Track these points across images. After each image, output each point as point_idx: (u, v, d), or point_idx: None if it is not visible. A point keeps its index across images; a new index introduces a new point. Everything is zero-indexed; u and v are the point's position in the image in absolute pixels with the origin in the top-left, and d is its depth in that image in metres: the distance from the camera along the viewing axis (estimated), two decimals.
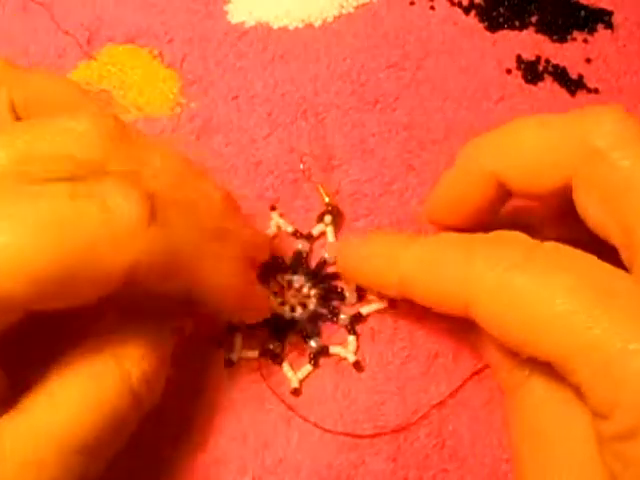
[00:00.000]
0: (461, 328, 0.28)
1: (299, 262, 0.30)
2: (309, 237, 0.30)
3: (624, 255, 0.22)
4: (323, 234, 0.31)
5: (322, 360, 0.28)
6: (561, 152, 0.23)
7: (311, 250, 0.30)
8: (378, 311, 0.29)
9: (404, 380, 0.28)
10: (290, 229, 0.31)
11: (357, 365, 0.28)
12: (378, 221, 0.31)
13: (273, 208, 0.31)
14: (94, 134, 0.22)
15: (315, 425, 0.27)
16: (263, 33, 0.37)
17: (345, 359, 0.28)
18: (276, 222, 0.31)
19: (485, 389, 0.28)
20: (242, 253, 0.25)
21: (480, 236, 0.24)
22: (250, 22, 0.38)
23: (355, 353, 0.28)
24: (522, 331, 0.21)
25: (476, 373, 0.28)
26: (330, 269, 0.30)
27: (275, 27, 0.38)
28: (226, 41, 0.37)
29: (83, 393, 0.20)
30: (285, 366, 0.28)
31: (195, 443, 0.26)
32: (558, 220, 0.27)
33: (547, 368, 0.21)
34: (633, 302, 0.20)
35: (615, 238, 0.22)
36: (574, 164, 0.23)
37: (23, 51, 0.36)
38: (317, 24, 0.38)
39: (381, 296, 0.29)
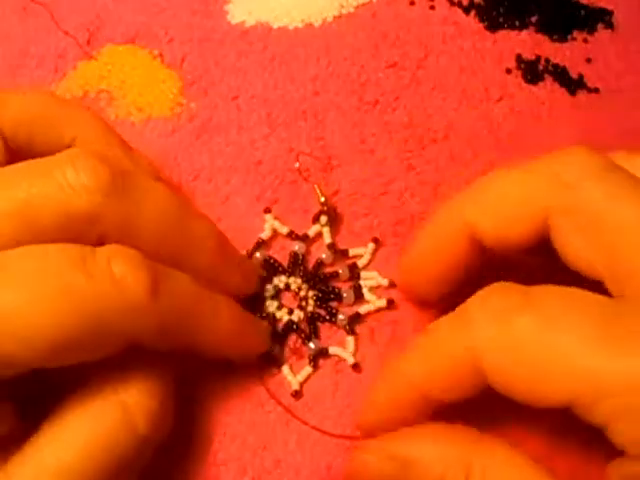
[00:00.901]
0: None
1: (296, 264, 0.30)
2: (305, 238, 0.30)
3: (611, 287, 0.21)
4: (319, 235, 0.31)
5: (322, 361, 0.28)
6: (533, 193, 0.23)
7: (308, 251, 0.30)
8: (377, 311, 0.29)
9: None
10: (285, 230, 0.30)
11: (356, 367, 0.28)
12: (378, 221, 0.31)
13: (268, 210, 0.31)
14: (90, 184, 0.21)
15: (314, 428, 0.27)
16: (263, 33, 0.37)
17: (344, 360, 0.28)
18: (271, 224, 0.31)
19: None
20: (235, 292, 0.26)
21: (471, 298, 0.23)
22: (250, 22, 0.38)
23: (354, 354, 0.28)
24: (534, 380, 0.21)
25: None
26: (327, 270, 0.30)
27: (275, 27, 0.38)
28: (226, 41, 0.37)
29: (86, 431, 0.21)
30: (285, 369, 0.28)
31: (194, 444, 0.26)
32: (538, 270, 0.26)
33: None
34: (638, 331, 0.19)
35: (599, 271, 0.22)
36: (548, 202, 0.23)
37: (23, 51, 0.36)
38: (317, 24, 0.38)
39: (379, 295, 0.29)
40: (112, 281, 0.20)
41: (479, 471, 0.23)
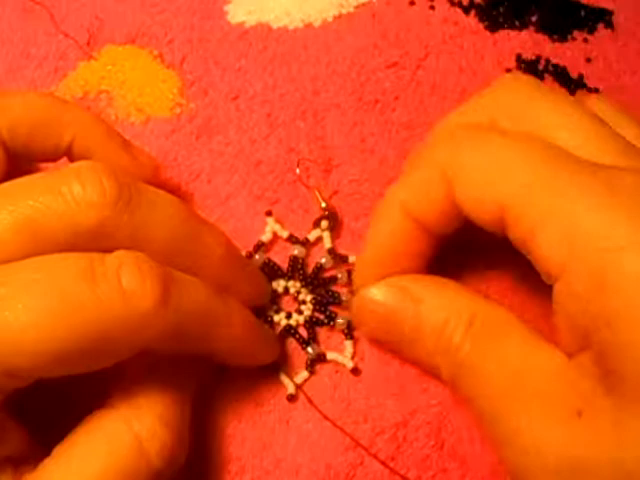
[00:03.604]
0: None
1: (295, 268, 0.30)
2: (305, 242, 0.30)
3: None
4: (320, 239, 0.30)
5: (320, 365, 0.28)
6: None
7: (307, 255, 0.30)
8: None
9: (403, 381, 0.28)
10: (286, 234, 0.30)
11: (355, 371, 0.28)
12: None
13: (269, 213, 0.31)
14: (98, 200, 0.21)
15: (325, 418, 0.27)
16: (263, 33, 0.37)
17: (343, 365, 0.28)
18: (272, 228, 0.30)
19: None
20: (246, 303, 0.26)
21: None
22: (250, 22, 0.38)
23: (352, 358, 0.28)
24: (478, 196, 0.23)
25: None
26: (326, 274, 0.30)
27: (275, 27, 0.37)
28: (226, 41, 0.37)
29: (98, 460, 0.20)
30: (281, 373, 0.27)
31: (194, 445, 0.26)
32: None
33: (484, 340, 0.23)
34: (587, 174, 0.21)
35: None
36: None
37: (23, 52, 0.36)
38: (317, 24, 0.38)
39: None
40: (120, 293, 0.20)
41: (480, 323, 0.24)
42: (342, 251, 0.30)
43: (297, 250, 0.30)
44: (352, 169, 0.33)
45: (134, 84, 0.35)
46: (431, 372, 0.26)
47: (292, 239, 0.30)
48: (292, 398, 0.27)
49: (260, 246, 0.30)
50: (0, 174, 0.25)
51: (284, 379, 0.27)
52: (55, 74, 0.36)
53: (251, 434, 0.27)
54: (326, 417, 0.27)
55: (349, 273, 0.29)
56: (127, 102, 0.35)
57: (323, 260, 0.30)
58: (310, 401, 0.27)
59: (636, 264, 0.19)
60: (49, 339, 0.19)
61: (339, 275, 0.29)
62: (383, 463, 0.26)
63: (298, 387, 0.27)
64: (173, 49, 0.37)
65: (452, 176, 0.24)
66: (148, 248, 0.22)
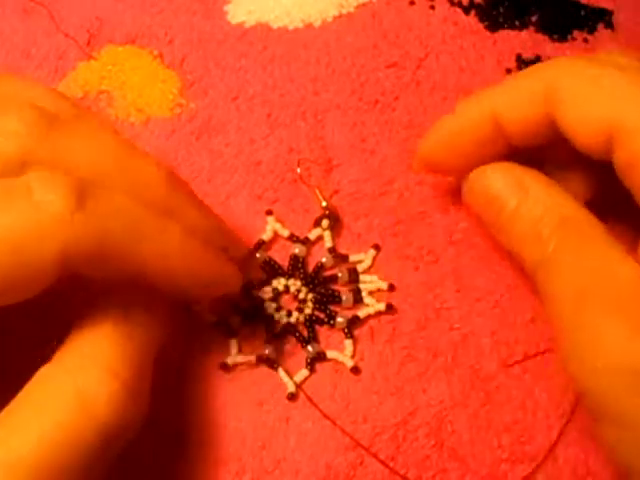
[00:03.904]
0: (461, 328, 0.29)
1: (296, 266, 0.30)
2: (306, 241, 0.30)
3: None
4: (320, 238, 0.30)
5: (320, 364, 0.28)
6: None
7: (308, 254, 0.30)
8: (376, 315, 0.29)
9: (403, 380, 0.28)
10: (286, 233, 0.30)
11: (355, 370, 0.28)
12: (378, 221, 0.31)
13: (270, 212, 0.31)
14: (18, 128, 0.22)
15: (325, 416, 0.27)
16: (263, 33, 0.37)
17: (342, 364, 0.28)
18: (272, 227, 0.31)
19: (485, 389, 0.28)
20: (194, 232, 0.24)
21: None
22: (250, 22, 0.38)
23: (352, 357, 0.28)
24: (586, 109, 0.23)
25: (476, 373, 0.28)
26: (327, 273, 0.30)
27: (275, 27, 0.38)
28: (226, 41, 0.37)
29: (39, 421, 0.19)
30: (281, 372, 0.27)
31: (194, 445, 0.26)
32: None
33: (573, 240, 0.23)
34: None
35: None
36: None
37: (23, 52, 0.36)
38: (317, 24, 0.38)
39: (378, 299, 0.29)
40: (31, 203, 0.19)
41: (571, 224, 0.24)
42: (342, 250, 0.30)
43: (298, 249, 0.30)
44: (352, 169, 0.33)
45: (134, 84, 0.35)
46: (516, 260, 0.27)
47: (293, 238, 0.30)
48: (292, 397, 0.27)
49: (261, 245, 0.30)
50: None
51: (284, 378, 0.27)
52: (55, 74, 0.36)
53: (251, 434, 0.27)
54: (326, 416, 0.27)
55: (349, 272, 0.29)
56: (127, 102, 0.35)
57: (324, 259, 0.30)
58: (310, 400, 0.27)
59: None
60: None
61: (339, 274, 0.29)
62: (383, 463, 0.26)
63: (298, 386, 0.27)
64: (173, 49, 0.37)
65: (559, 92, 0.24)
66: (72, 174, 0.21)
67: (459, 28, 0.38)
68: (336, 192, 0.32)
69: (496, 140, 0.27)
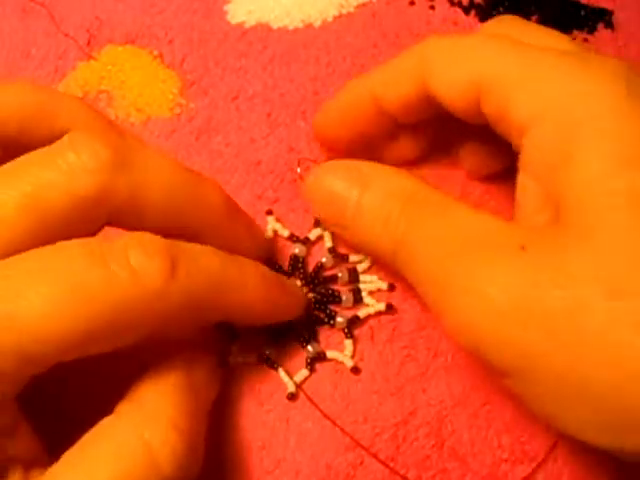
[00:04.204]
0: None
1: (296, 266, 0.30)
2: (306, 241, 0.30)
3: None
4: (320, 238, 0.30)
5: (320, 364, 0.28)
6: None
7: (308, 254, 0.30)
8: (376, 314, 0.29)
9: (403, 380, 0.28)
10: (286, 233, 0.30)
11: (355, 370, 0.28)
12: None
13: (270, 212, 0.31)
14: (94, 167, 0.21)
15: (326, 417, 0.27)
16: (263, 33, 0.37)
17: (342, 364, 0.28)
18: (272, 227, 0.31)
19: (485, 389, 0.28)
20: (254, 255, 0.26)
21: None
22: (250, 22, 0.38)
23: (352, 357, 0.28)
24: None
25: (476, 373, 0.28)
26: (327, 273, 0.30)
27: (275, 27, 0.37)
28: (226, 41, 0.37)
29: (107, 469, 0.20)
30: (281, 372, 0.27)
31: None
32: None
33: (421, 215, 0.24)
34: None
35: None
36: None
37: (23, 52, 0.36)
38: (317, 24, 0.38)
39: (378, 299, 0.29)
40: (130, 272, 0.20)
41: (416, 202, 0.25)
42: (342, 250, 0.30)
43: (298, 249, 0.30)
44: None
45: (134, 84, 0.35)
46: (375, 257, 0.28)
47: (293, 238, 0.30)
48: (292, 397, 0.27)
49: None
50: None
51: (284, 378, 0.27)
52: (55, 74, 0.36)
53: (251, 434, 0.27)
54: (326, 416, 0.27)
55: (349, 272, 0.29)
56: (127, 102, 0.35)
57: (324, 259, 0.30)
58: (310, 400, 0.27)
59: (603, 104, 0.21)
60: (64, 325, 0.19)
61: (339, 274, 0.29)
62: (383, 463, 0.26)
63: (298, 386, 0.27)
64: (173, 49, 0.37)
65: (429, 64, 0.25)
66: (147, 206, 0.22)
67: (459, 28, 0.38)
68: None
69: (380, 118, 0.28)
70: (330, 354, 0.28)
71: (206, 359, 0.25)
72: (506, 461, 0.26)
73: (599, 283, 0.19)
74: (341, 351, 0.28)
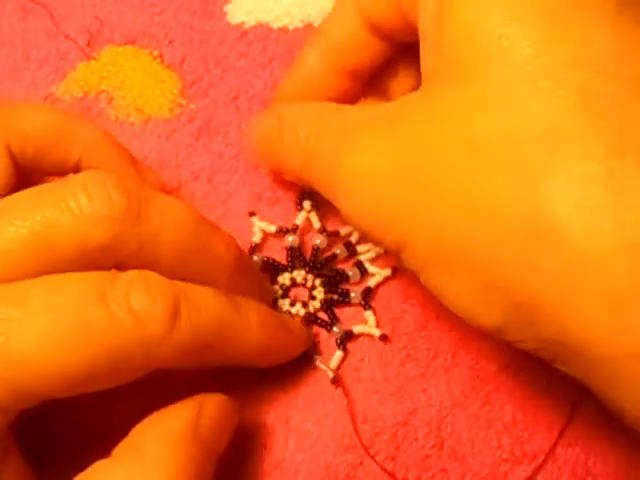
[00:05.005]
0: (461, 328, 0.29)
1: (294, 257, 0.30)
2: (295, 229, 0.30)
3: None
4: (309, 224, 0.30)
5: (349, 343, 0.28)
6: None
7: (302, 242, 0.30)
8: (385, 281, 0.29)
9: (403, 380, 0.28)
10: (273, 228, 0.30)
11: (383, 337, 0.28)
12: None
13: (252, 214, 0.31)
14: (106, 216, 0.21)
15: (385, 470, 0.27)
16: (263, 33, 0.37)
17: (371, 335, 0.28)
18: (259, 227, 0.30)
19: (485, 389, 0.28)
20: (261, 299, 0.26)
21: None
22: (250, 22, 0.38)
23: (377, 326, 0.28)
24: None
25: (476, 373, 0.28)
26: (325, 254, 0.30)
27: (275, 27, 0.37)
28: (226, 41, 0.37)
29: None
30: (317, 361, 0.28)
31: None
32: None
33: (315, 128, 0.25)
34: None
35: None
36: None
37: (23, 53, 0.36)
38: (317, 24, 0.38)
39: (382, 265, 0.29)
40: (131, 315, 0.20)
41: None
42: (332, 228, 0.30)
43: (291, 238, 0.30)
44: None
45: (134, 84, 0.35)
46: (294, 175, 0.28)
47: (282, 230, 0.30)
48: (335, 381, 0.27)
49: (255, 248, 0.30)
50: (9, 187, 0.25)
51: (321, 366, 0.28)
52: (55, 74, 0.36)
53: (252, 434, 0.27)
54: (349, 403, 0.27)
55: (346, 246, 0.30)
56: (127, 102, 0.35)
57: (318, 241, 0.30)
58: (339, 380, 0.28)
59: None
60: (61, 362, 0.19)
61: (337, 251, 0.30)
62: (380, 466, 0.26)
63: (335, 370, 0.27)
64: (173, 49, 0.37)
65: None
66: (157, 259, 0.22)
67: None
68: None
69: (374, 43, 0.27)
70: (357, 329, 0.28)
71: (218, 403, 0.23)
72: (506, 461, 0.26)
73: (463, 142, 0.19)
74: (365, 323, 0.28)
